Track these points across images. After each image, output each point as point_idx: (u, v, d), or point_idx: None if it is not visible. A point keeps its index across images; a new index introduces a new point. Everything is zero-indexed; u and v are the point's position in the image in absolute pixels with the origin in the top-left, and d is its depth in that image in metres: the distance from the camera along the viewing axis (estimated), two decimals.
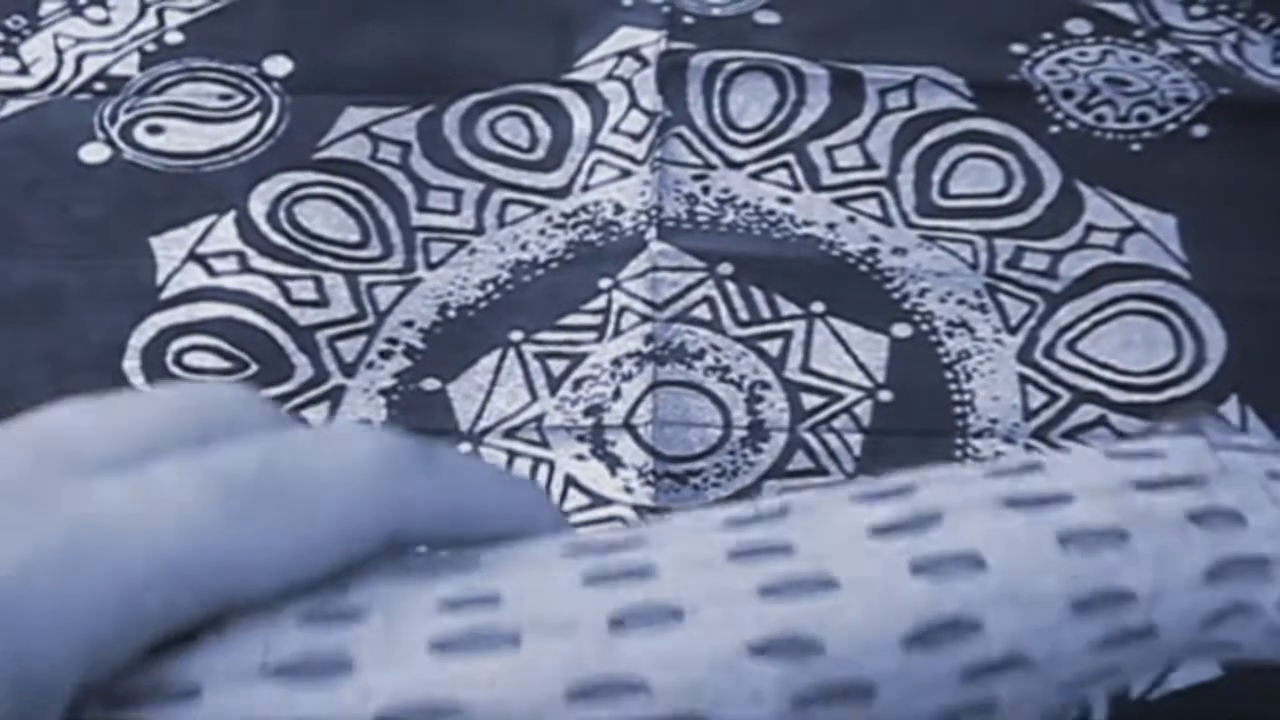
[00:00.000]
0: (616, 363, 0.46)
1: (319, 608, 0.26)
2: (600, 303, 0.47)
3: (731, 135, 0.50)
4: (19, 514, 0.23)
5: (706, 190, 0.49)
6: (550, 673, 0.25)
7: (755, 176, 0.50)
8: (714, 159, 0.50)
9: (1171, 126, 0.50)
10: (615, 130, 0.50)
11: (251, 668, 0.25)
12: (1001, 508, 0.28)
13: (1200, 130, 0.49)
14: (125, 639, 0.23)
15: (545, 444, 0.44)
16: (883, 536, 0.27)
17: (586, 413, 0.45)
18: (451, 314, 0.47)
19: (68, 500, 0.23)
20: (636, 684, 0.25)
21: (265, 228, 0.49)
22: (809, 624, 0.26)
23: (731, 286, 0.48)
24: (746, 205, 0.49)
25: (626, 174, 0.50)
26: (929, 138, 0.50)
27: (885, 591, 0.26)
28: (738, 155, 0.50)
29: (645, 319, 0.47)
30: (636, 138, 0.50)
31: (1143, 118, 0.50)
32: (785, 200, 0.49)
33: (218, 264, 0.48)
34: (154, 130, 0.50)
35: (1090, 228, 0.48)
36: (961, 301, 0.47)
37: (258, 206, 0.49)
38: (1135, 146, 0.49)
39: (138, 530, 0.23)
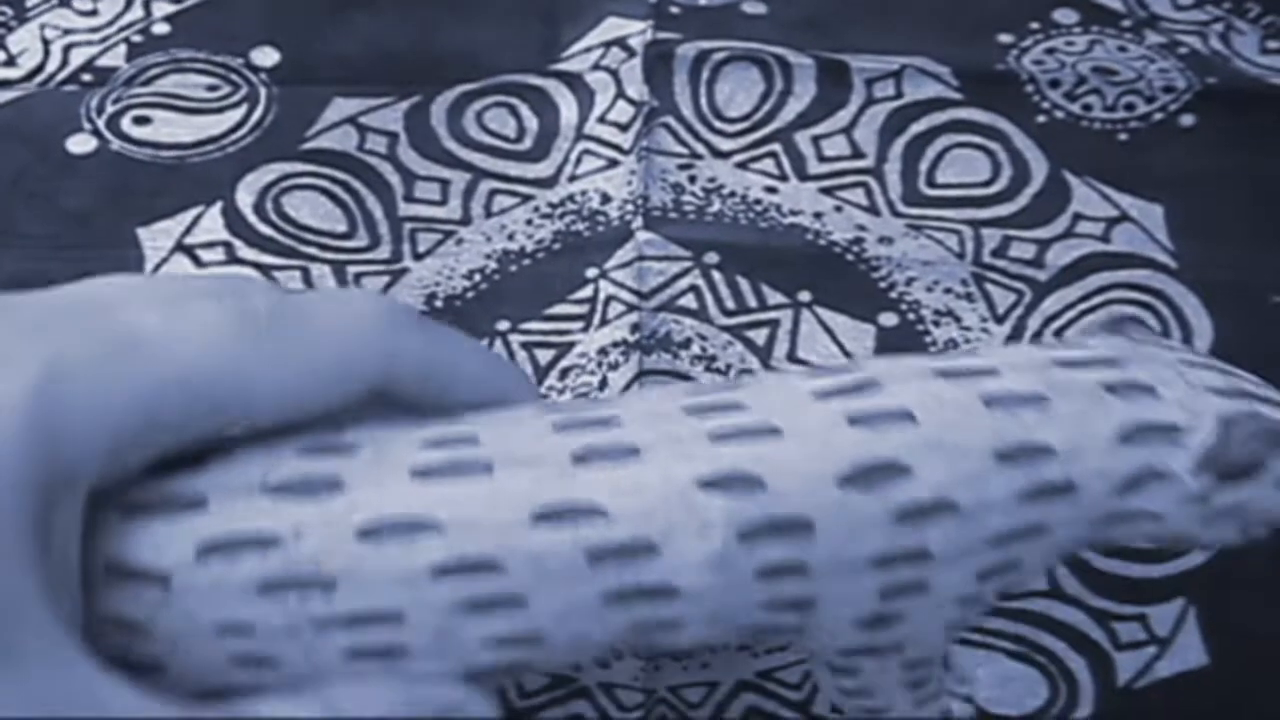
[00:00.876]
0: (603, 352, 0.46)
1: (315, 442, 0.29)
2: (587, 292, 0.47)
3: (718, 125, 0.50)
4: (62, 326, 0.26)
5: (693, 180, 0.49)
6: (517, 497, 0.28)
7: (742, 166, 0.50)
8: (700, 148, 0.50)
9: (1159, 116, 0.49)
10: (602, 120, 0.50)
11: (253, 485, 0.28)
12: (934, 377, 0.31)
13: (1188, 120, 0.49)
14: (144, 440, 0.26)
15: None
16: (824, 398, 0.30)
17: None
18: (439, 304, 0.47)
19: (106, 319, 0.27)
20: (595, 509, 0.28)
21: (252, 218, 0.49)
22: (754, 463, 0.29)
23: (718, 276, 0.48)
24: (733, 194, 0.49)
25: (613, 164, 0.49)
26: (916, 127, 0.50)
27: (823, 438, 0.29)
28: (724, 145, 0.50)
29: (631, 308, 0.47)
30: (623, 127, 0.50)
31: (1130, 107, 0.50)
32: (771, 190, 0.49)
33: (205, 254, 0.48)
34: (141, 121, 0.50)
35: (1077, 217, 0.48)
36: (948, 290, 0.47)
37: (245, 197, 0.49)
38: (1122, 136, 0.49)
39: (164, 344, 0.27)
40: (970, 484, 0.29)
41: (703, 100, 0.50)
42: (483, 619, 0.28)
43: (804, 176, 0.49)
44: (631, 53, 0.51)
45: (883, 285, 0.48)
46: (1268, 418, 0.31)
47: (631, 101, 0.50)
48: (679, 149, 0.50)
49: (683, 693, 0.43)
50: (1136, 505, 0.31)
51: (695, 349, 0.46)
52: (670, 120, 0.50)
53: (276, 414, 0.29)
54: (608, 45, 0.51)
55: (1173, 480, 0.31)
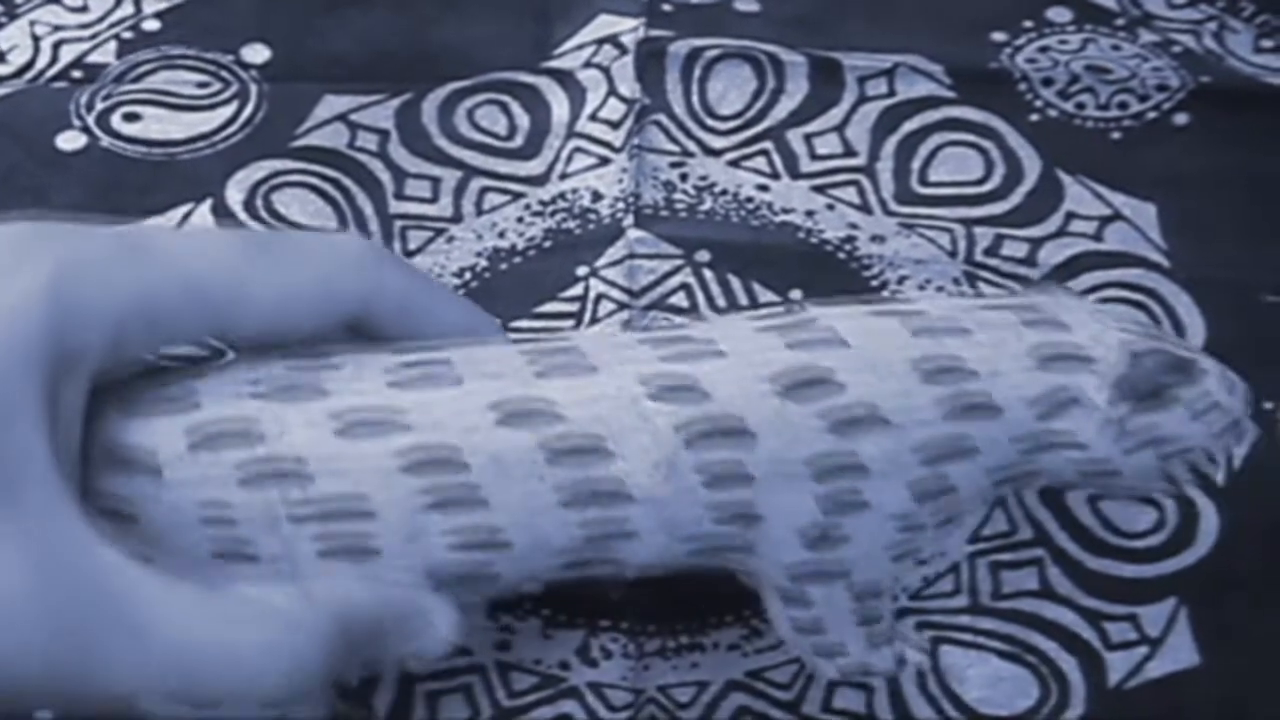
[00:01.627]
0: None
1: (301, 357, 0.32)
2: (578, 290, 0.47)
3: (710, 123, 0.50)
4: (78, 234, 0.30)
5: (684, 178, 0.49)
6: (482, 401, 0.31)
7: (733, 164, 0.49)
8: (692, 146, 0.50)
9: (1152, 115, 0.49)
10: (593, 118, 0.50)
11: (242, 389, 0.31)
12: (865, 315, 0.34)
13: (1181, 118, 0.49)
14: (144, 334, 0.30)
15: None
16: (765, 330, 0.33)
17: None
18: None
19: (118, 231, 0.31)
20: (553, 413, 0.31)
21: (242, 215, 0.48)
22: (699, 377, 0.32)
23: (709, 274, 0.47)
24: (724, 193, 0.49)
25: (604, 161, 0.49)
26: (908, 125, 0.50)
27: (763, 357, 0.32)
28: (716, 143, 0.50)
29: (622, 306, 0.47)
30: (614, 125, 0.50)
31: (1123, 106, 0.49)
32: (763, 188, 0.49)
33: None
34: (131, 118, 0.50)
35: (1070, 216, 0.48)
36: (940, 289, 0.47)
37: (235, 194, 0.49)
38: (1115, 134, 0.49)
39: (168, 250, 0.30)
40: (897, 397, 0.32)
41: (695, 98, 0.50)
42: (446, 515, 0.30)
43: (796, 175, 0.49)
44: (624, 50, 0.51)
45: (875, 284, 0.47)
46: (1173, 351, 0.34)
47: (623, 99, 0.50)
48: (670, 147, 0.50)
49: (672, 692, 0.43)
50: (1056, 429, 0.33)
51: None
52: (662, 118, 0.50)
53: (265, 327, 0.32)
54: (600, 43, 0.51)
55: (1088, 405, 0.33)
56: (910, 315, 0.34)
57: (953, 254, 0.48)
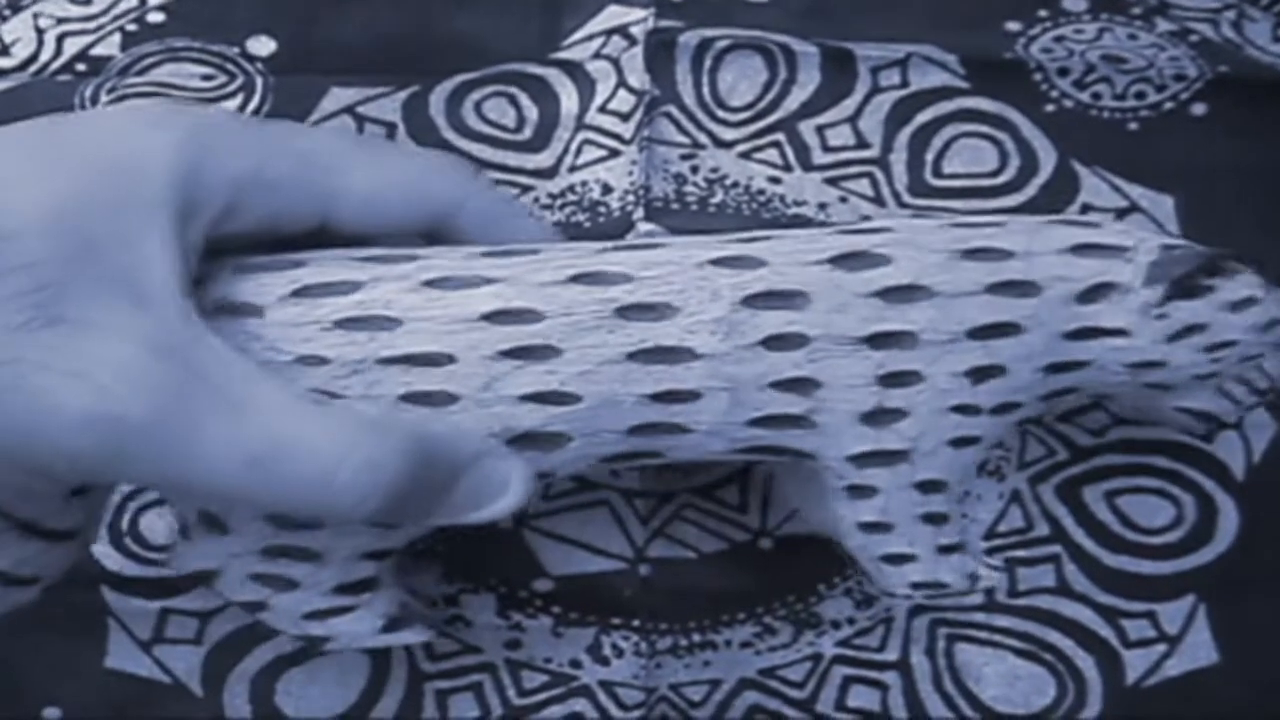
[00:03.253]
0: None
1: (393, 248, 0.35)
2: None
3: (720, 114, 0.49)
4: (210, 111, 0.35)
5: (695, 170, 0.49)
6: (557, 264, 0.34)
7: (745, 156, 0.49)
8: (703, 138, 0.49)
9: (1169, 105, 0.49)
10: (603, 110, 0.49)
11: (342, 256, 0.35)
12: (909, 216, 0.39)
13: (1199, 109, 0.48)
14: (256, 196, 0.33)
15: None
16: (820, 230, 0.36)
17: None
18: None
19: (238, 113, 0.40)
20: (622, 275, 0.33)
21: None
22: (757, 250, 0.34)
23: None
24: (736, 185, 0.48)
25: (614, 154, 0.49)
26: (922, 116, 0.49)
27: (815, 238, 0.35)
28: (727, 134, 0.49)
29: None
30: (624, 117, 0.49)
31: (1140, 96, 0.49)
32: (775, 180, 0.49)
33: None
34: None
35: (1086, 208, 0.48)
36: None
37: None
38: (1132, 125, 0.49)
39: (285, 128, 0.36)
40: (940, 270, 0.34)
41: (705, 89, 0.50)
42: (520, 364, 0.33)
43: (808, 167, 0.49)
44: (633, 41, 0.50)
45: None
46: (1203, 249, 0.36)
47: (633, 91, 0.49)
48: (681, 139, 0.49)
49: (684, 691, 0.43)
50: (1096, 311, 0.35)
51: None
52: (672, 109, 0.49)
53: (361, 212, 0.35)
54: (609, 33, 0.50)
55: (1125, 290, 0.36)
56: (946, 213, 0.38)
57: None
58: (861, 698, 0.43)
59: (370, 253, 0.35)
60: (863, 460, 0.35)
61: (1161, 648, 0.43)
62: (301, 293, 0.33)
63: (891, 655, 0.43)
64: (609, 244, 0.35)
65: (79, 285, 0.29)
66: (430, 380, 0.33)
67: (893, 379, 0.34)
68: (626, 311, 0.33)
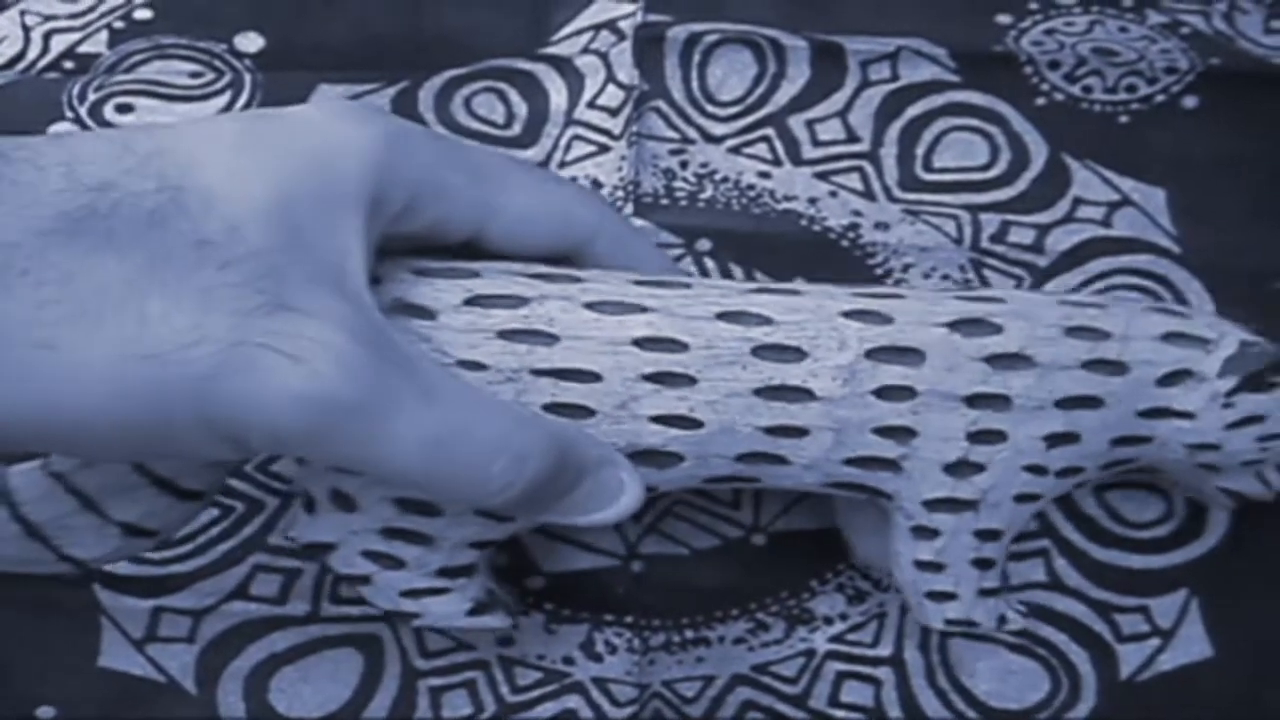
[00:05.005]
0: None
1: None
2: None
3: (710, 109, 0.49)
4: (397, 117, 0.37)
5: (685, 165, 0.48)
6: (707, 301, 0.36)
7: (734, 151, 0.49)
8: (692, 133, 0.49)
9: (1161, 98, 0.49)
10: (591, 105, 0.49)
11: (514, 270, 0.37)
12: (1025, 289, 0.43)
13: (1190, 101, 0.48)
14: (429, 203, 0.36)
15: None
16: (938, 289, 0.41)
17: None
18: None
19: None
20: (763, 318, 0.36)
21: None
22: (884, 306, 0.37)
23: (710, 263, 0.47)
24: (725, 180, 0.48)
25: (603, 149, 0.49)
26: (912, 110, 0.49)
27: (937, 300, 0.38)
28: (716, 129, 0.49)
29: None
30: (613, 112, 0.49)
31: (1131, 89, 0.49)
32: (765, 175, 0.48)
33: None
34: (124, 109, 0.49)
35: (1078, 201, 0.48)
36: (946, 277, 0.47)
37: None
38: (1124, 118, 0.48)
39: (461, 143, 0.39)
40: (1044, 344, 0.37)
41: (694, 84, 0.50)
42: (658, 388, 0.35)
43: (798, 161, 0.49)
44: (621, 36, 0.50)
45: (879, 272, 0.47)
46: (1276, 348, 0.39)
47: (621, 86, 0.49)
48: (670, 134, 0.49)
49: (677, 687, 0.43)
50: (1172, 394, 0.38)
51: None
52: (661, 105, 0.49)
53: (514, 230, 0.38)
54: (597, 28, 0.50)
55: (1202, 379, 0.38)
56: (1058, 291, 0.43)
57: (958, 241, 0.47)
58: (855, 693, 0.43)
59: (537, 270, 0.37)
60: (935, 505, 0.38)
61: (1155, 642, 0.43)
62: (473, 301, 0.36)
63: (885, 651, 0.43)
64: (754, 284, 0.38)
65: (293, 273, 0.31)
66: (574, 395, 0.35)
67: (980, 436, 0.37)
68: (762, 351, 0.36)
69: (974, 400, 0.37)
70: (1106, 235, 0.47)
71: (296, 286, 0.31)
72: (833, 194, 0.48)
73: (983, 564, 0.39)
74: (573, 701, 0.43)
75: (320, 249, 0.32)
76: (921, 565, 0.39)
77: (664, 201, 0.48)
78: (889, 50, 0.49)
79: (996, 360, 0.37)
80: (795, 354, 0.36)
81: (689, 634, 0.43)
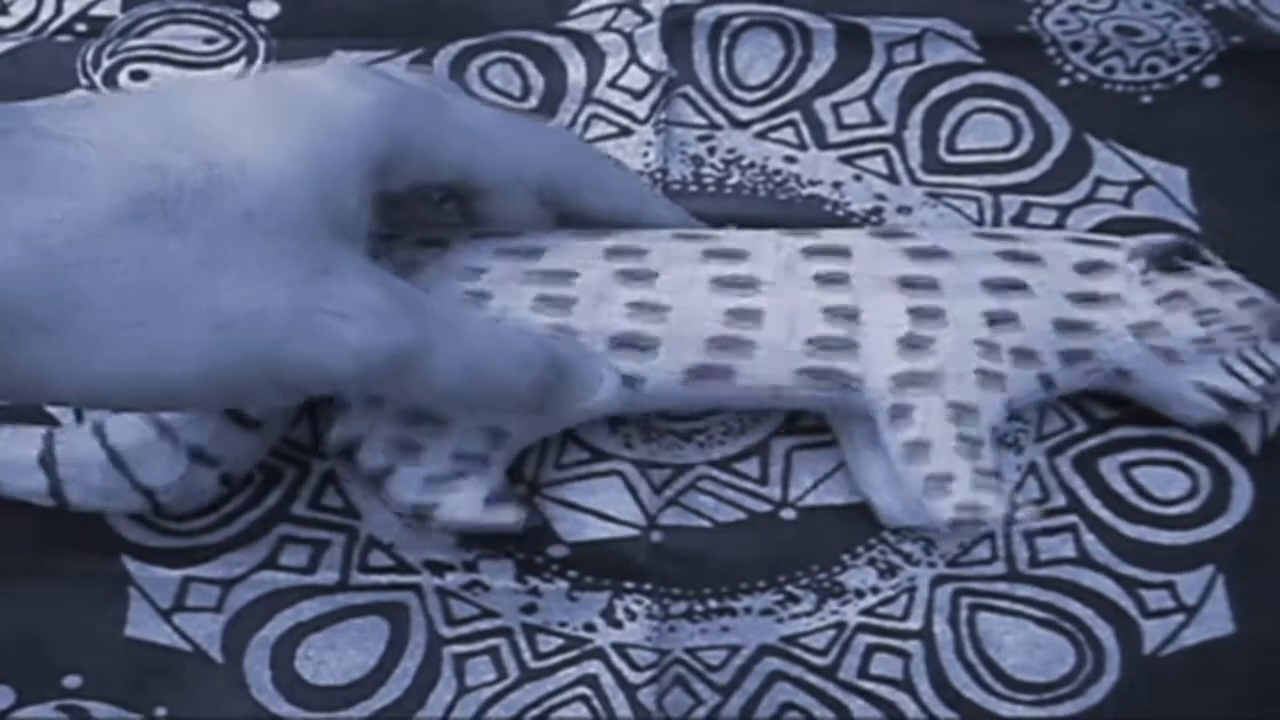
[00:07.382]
0: None
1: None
2: None
3: (737, 94, 0.49)
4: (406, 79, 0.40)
5: (712, 151, 0.49)
6: (667, 230, 0.43)
7: (761, 136, 0.49)
8: (719, 119, 0.49)
9: (1183, 78, 0.49)
10: (613, 85, 0.49)
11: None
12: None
13: (1212, 81, 0.49)
14: (420, 162, 0.38)
15: None
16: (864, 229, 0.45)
17: None
18: None
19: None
20: (713, 235, 0.43)
21: None
22: (820, 232, 0.43)
23: None
24: (752, 165, 0.48)
25: (626, 132, 0.49)
26: (936, 92, 0.49)
27: (860, 231, 0.43)
28: (743, 114, 0.49)
29: None
30: (638, 95, 0.49)
31: (1153, 69, 0.49)
32: (791, 159, 0.49)
33: None
34: (138, 75, 0.49)
35: (1099, 181, 0.48)
36: None
37: None
38: (1146, 98, 0.49)
39: (457, 107, 0.39)
40: (960, 242, 0.43)
41: (722, 68, 0.50)
42: (627, 286, 0.41)
43: (823, 145, 0.49)
44: (646, 17, 0.50)
45: None
46: (1177, 236, 0.43)
47: (648, 70, 0.49)
48: (698, 120, 0.49)
49: (701, 655, 0.43)
50: (1095, 284, 0.42)
51: None
52: (689, 90, 0.49)
53: (503, 178, 0.40)
54: (619, 7, 0.50)
55: (1117, 267, 0.42)
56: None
57: (980, 223, 0.47)
58: (884, 666, 0.43)
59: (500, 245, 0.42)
60: (900, 380, 0.41)
61: (1179, 618, 0.43)
62: (477, 235, 0.42)
63: (914, 624, 0.43)
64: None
65: (325, 236, 0.34)
66: (556, 289, 0.41)
67: (921, 311, 0.41)
68: (713, 255, 0.42)
69: (904, 282, 0.41)
70: (1127, 215, 0.47)
71: (329, 249, 0.34)
72: (857, 178, 0.48)
73: (968, 440, 0.41)
74: (593, 666, 0.43)
75: (341, 210, 0.35)
76: (909, 448, 0.41)
77: (693, 188, 0.48)
78: (914, 32, 0.50)
79: (916, 253, 0.42)
80: (741, 257, 0.42)
81: (712, 604, 0.43)
